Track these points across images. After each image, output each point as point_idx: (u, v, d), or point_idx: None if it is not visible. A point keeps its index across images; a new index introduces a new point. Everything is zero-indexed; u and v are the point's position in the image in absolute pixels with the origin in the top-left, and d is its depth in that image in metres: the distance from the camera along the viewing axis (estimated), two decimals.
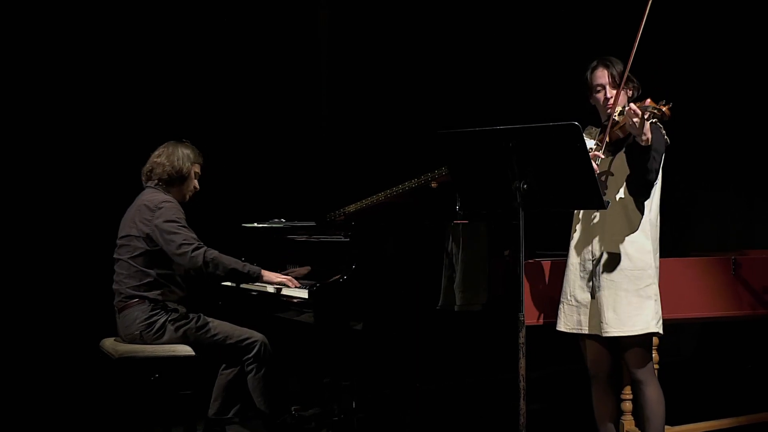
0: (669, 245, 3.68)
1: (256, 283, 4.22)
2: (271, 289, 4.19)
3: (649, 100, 3.31)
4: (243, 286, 4.38)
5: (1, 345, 5.07)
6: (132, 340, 4.03)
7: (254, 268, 4.11)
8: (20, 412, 4.89)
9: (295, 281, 4.15)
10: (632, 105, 3.29)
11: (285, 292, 4.13)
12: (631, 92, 3.60)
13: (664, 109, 3.23)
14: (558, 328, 3.71)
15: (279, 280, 4.13)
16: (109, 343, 4.13)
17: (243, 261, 4.28)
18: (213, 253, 3.99)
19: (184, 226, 4.01)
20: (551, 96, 5.99)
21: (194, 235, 4.02)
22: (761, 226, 6.14)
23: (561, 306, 3.70)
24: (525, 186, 3.27)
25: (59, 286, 5.17)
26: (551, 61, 6.24)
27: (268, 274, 4.12)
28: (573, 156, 3.18)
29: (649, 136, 3.30)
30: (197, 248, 3.97)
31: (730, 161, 6.24)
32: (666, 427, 3.66)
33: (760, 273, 4.23)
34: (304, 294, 3.89)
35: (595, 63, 3.62)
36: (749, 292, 4.19)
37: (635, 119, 3.25)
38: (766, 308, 4.23)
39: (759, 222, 6.18)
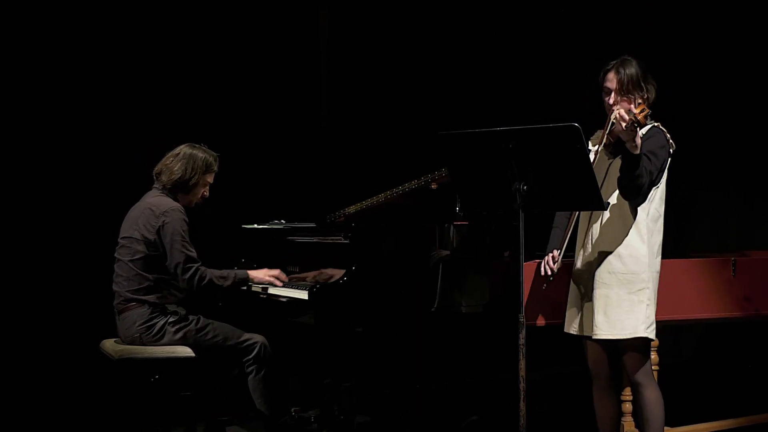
0: (669, 246, 3.67)
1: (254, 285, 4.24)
2: (257, 288, 4.22)
3: (632, 105, 3.30)
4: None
5: (1, 346, 5.06)
6: (132, 342, 4.03)
7: (240, 273, 4.12)
8: (21, 412, 4.89)
9: (284, 276, 4.18)
10: (619, 110, 3.27)
11: (273, 291, 4.16)
12: (640, 101, 3.54)
13: (639, 117, 3.21)
14: (566, 330, 3.71)
15: (269, 278, 4.15)
16: (109, 344, 4.14)
17: (240, 263, 4.31)
18: (205, 275, 4.00)
19: (186, 242, 4.00)
20: (552, 97, 6.00)
21: (194, 254, 4.02)
22: (761, 226, 6.14)
23: (568, 307, 3.71)
24: (525, 187, 3.27)
25: (60, 287, 5.17)
26: (552, 62, 6.24)
27: (254, 274, 4.15)
28: (573, 157, 3.18)
29: (638, 143, 3.28)
30: (193, 274, 3.98)
31: (730, 162, 6.24)
32: (666, 428, 3.65)
33: (760, 274, 4.23)
34: (304, 295, 3.89)
35: (610, 65, 3.56)
36: (749, 292, 4.18)
37: (623, 123, 3.24)
38: (766, 309, 4.23)
39: (759, 223, 6.18)
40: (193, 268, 3.99)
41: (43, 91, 5.21)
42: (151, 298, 4.03)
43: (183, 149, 4.14)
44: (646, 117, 3.25)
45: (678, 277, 3.95)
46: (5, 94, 5.14)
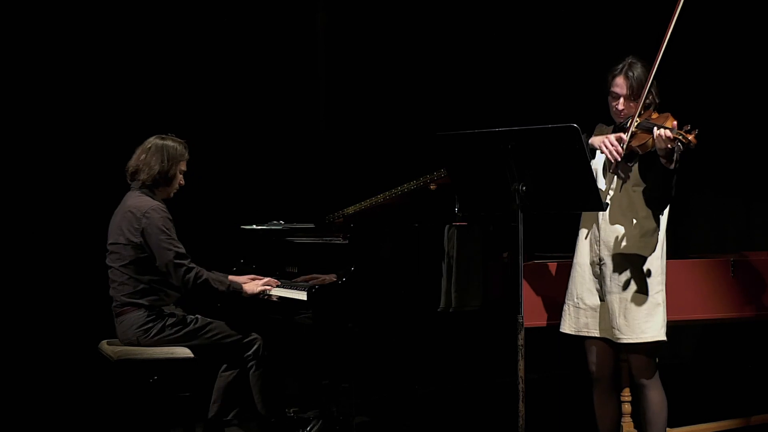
0: (668, 247, 3.67)
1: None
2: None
3: (671, 119, 3.28)
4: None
5: (1, 347, 5.06)
6: (130, 344, 4.02)
7: (235, 284, 4.10)
8: (20, 413, 4.89)
9: (274, 282, 4.17)
10: (665, 131, 3.24)
11: (272, 291, 4.15)
12: (647, 102, 3.52)
13: (690, 137, 3.21)
14: (562, 330, 3.69)
15: (260, 289, 4.14)
16: (107, 346, 4.13)
17: (239, 264, 4.27)
18: (201, 275, 3.98)
19: (173, 239, 3.97)
20: (551, 97, 5.99)
21: (182, 249, 3.98)
22: (759, 228, 6.14)
23: (566, 308, 3.69)
24: (524, 188, 3.27)
25: (58, 288, 5.17)
26: (551, 62, 6.24)
27: (248, 287, 4.13)
28: (572, 158, 3.18)
29: (675, 158, 3.29)
30: (187, 270, 3.94)
31: (728, 163, 6.23)
32: (666, 429, 3.65)
33: (758, 275, 4.22)
34: (302, 296, 3.89)
35: (618, 69, 3.53)
36: (748, 293, 4.18)
37: (668, 145, 3.24)
38: (765, 310, 4.23)
39: (757, 224, 6.17)
40: (186, 265, 3.95)
41: (46, 93, 5.21)
42: (146, 301, 4.00)
43: (153, 141, 4.10)
44: (696, 137, 3.23)
45: (677, 278, 3.95)
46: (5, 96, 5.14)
